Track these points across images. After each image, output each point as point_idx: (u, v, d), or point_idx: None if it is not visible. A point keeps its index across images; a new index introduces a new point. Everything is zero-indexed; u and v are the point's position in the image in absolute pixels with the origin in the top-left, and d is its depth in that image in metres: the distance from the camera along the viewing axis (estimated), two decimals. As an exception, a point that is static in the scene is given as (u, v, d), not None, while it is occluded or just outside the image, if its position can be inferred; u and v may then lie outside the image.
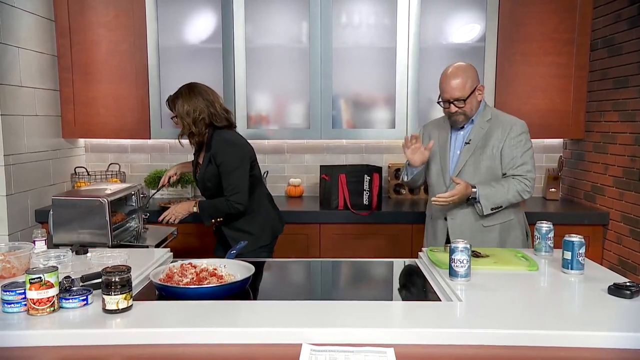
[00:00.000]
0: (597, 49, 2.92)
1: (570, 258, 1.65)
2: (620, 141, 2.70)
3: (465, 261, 1.57)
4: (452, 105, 2.10)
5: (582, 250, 1.65)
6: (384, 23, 3.02)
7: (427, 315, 1.36)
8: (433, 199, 2.09)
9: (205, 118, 2.20)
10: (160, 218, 2.32)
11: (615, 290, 1.45)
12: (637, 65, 2.57)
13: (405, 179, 2.33)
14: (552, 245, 1.86)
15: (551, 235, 1.85)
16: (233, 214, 2.23)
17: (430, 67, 3.02)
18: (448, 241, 2.08)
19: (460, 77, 2.07)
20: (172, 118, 2.29)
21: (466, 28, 3.02)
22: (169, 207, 2.65)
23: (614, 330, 1.25)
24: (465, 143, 2.18)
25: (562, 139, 3.30)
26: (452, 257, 1.58)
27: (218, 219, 2.28)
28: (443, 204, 2.06)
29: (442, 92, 2.13)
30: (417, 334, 1.24)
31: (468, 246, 1.58)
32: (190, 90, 2.23)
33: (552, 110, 2.98)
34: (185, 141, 2.30)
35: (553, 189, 3.21)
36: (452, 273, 1.59)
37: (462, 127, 2.20)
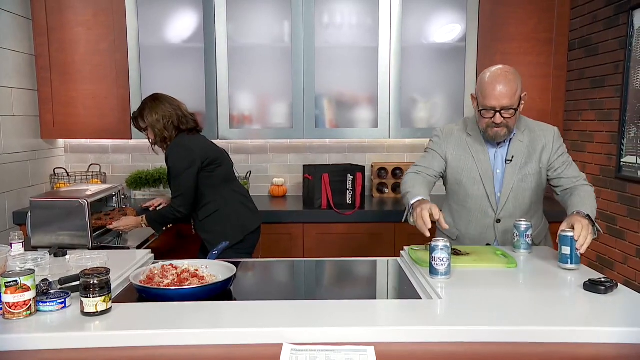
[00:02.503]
0: (574, 49, 2.97)
1: (569, 253, 1.67)
2: (597, 140, 2.76)
3: (445, 259, 1.59)
4: (497, 115, 1.83)
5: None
6: (366, 23, 3.04)
7: (407, 313, 1.38)
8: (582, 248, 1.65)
9: (175, 121, 2.30)
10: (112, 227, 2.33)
11: (591, 286, 1.48)
12: (613, 65, 2.62)
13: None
14: (530, 242, 1.88)
15: (530, 232, 1.88)
16: (179, 218, 2.28)
17: (411, 67, 3.05)
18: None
19: (511, 83, 1.81)
20: (141, 131, 2.37)
21: (447, 28, 3.05)
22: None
23: (589, 325, 1.28)
24: (507, 161, 1.93)
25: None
26: (433, 255, 1.60)
27: (169, 225, 2.38)
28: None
29: (485, 99, 1.84)
30: (397, 332, 1.25)
31: (448, 244, 1.59)
32: (155, 99, 2.33)
33: (532, 110, 3.01)
34: (159, 148, 2.39)
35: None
36: (433, 271, 1.60)
37: (500, 142, 1.94)
